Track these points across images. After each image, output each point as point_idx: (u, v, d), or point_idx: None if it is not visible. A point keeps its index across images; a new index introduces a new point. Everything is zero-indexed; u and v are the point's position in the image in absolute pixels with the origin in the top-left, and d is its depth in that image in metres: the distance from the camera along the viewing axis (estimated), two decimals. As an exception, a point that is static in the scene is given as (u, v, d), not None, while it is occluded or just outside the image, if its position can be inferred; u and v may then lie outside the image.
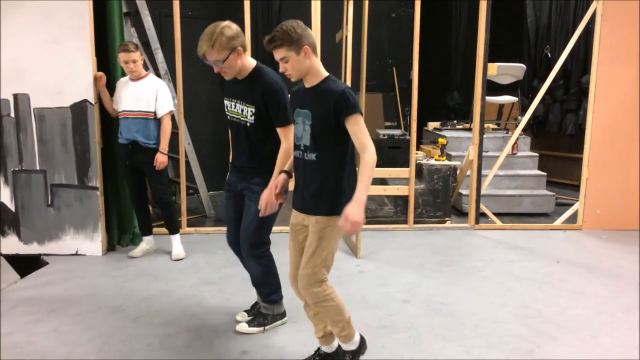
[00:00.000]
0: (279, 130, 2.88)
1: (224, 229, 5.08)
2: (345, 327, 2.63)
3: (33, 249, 4.49)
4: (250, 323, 3.22)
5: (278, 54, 2.42)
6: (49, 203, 4.45)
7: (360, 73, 4.69)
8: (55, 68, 4.28)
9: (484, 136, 6.35)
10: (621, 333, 3.19)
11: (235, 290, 3.81)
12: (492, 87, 6.85)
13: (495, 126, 7.22)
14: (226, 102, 3.06)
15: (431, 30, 8.75)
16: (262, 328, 3.20)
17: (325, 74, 2.51)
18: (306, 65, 2.44)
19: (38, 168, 4.42)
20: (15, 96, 4.34)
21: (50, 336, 3.13)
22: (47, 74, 4.29)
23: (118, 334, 3.16)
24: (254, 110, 2.90)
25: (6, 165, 4.42)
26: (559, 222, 5.49)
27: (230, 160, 3.20)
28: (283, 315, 3.31)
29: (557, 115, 7.32)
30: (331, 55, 5.59)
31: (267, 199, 2.71)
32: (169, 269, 4.25)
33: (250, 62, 2.93)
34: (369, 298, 3.71)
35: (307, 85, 2.52)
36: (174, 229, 4.56)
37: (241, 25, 4.91)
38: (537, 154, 6.39)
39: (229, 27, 2.83)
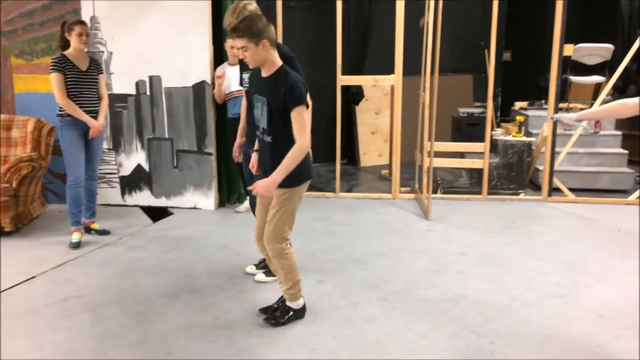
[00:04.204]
0: None
1: (315, 193, 5.93)
2: (293, 286, 3.07)
3: (162, 202, 5.55)
4: (267, 274, 3.72)
5: (239, 43, 2.70)
6: (175, 165, 5.47)
7: (434, 56, 5.18)
8: (181, 55, 5.24)
9: (569, 115, 6.61)
10: (656, 288, 3.56)
11: (317, 239, 4.58)
12: (587, 68, 7.00)
13: (584, 106, 7.35)
14: (244, 75, 3.50)
15: (526, 13, 8.94)
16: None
17: (279, 63, 2.80)
18: (263, 56, 2.73)
19: (167, 136, 5.45)
20: (150, 78, 5.37)
21: (175, 261, 4.08)
22: (174, 59, 5.26)
23: (226, 263, 4.04)
24: None
25: (142, 133, 5.49)
26: (633, 197, 5.69)
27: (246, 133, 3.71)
28: None
29: (649, 96, 7.29)
30: (415, 40, 6.12)
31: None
32: (267, 222, 5.10)
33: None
34: (431, 250, 4.31)
35: (264, 74, 2.82)
36: None
37: (333, 21, 5.63)
38: (620, 133, 6.51)
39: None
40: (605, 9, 7.93)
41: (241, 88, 5.06)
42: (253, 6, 3.43)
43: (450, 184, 6.04)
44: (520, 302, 3.39)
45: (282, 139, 2.78)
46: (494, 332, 3.01)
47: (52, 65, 4.25)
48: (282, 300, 3.21)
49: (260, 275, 3.75)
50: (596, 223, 5.03)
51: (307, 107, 2.75)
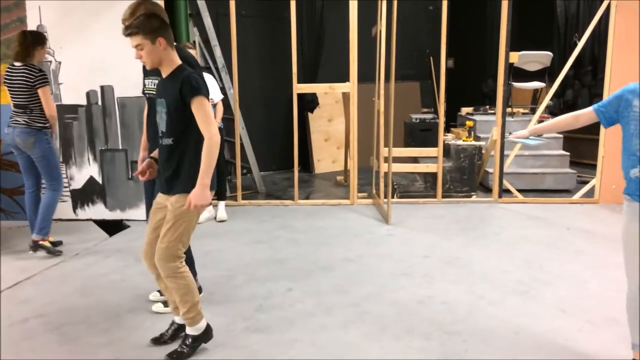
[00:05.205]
0: None
1: (274, 202, 5.95)
2: (191, 309, 2.74)
3: (116, 215, 5.39)
4: (165, 304, 3.35)
5: (133, 42, 2.56)
6: (129, 177, 5.33)
7: (390, 64, 5.29)
8: (135, 63, 5.07)
9: (513, 119, 6.91)
10: (609, 281, 3.75)
11: (281, 247, 4.57)
12: (526, 74, 7.33)
13: (526, 110, 7.69)
14: (145, 81, 3.33)
15: (468, 22, 9.27)
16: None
17: (178, 63, 2.66)
18: (160, 56, 2.59)
19: (120, 147, 5.31)
20: (102, 87, 5.23)
21: (140, 276, 3.96)
22: (128, 68, 5.10)
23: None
24: None
25: (94, 145, 5.32)
26: (577, 196, 5.99)
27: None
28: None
29: (585, 100, 7.73)
30: (368, 49, 6.23)
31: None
32: (227, 231, 5.05)
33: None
34: (395, 254, 4.39)
35: (163, 74, 2.69)
36: (221, 196, 5.45)
37: (289, 22, 5.66)
38: (561, 136, 6.84)
39: None
40: (542, 17, 8.34)
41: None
42: (157, 7, 3.11)
43: (406, 188, 6.18)
44: (485, 300, 3.50)
45: (183, 141, 2.63)
46: (465, 331, 3.09)
47: (45, 78, 4.28)
48: (173, 327, 2.99)
49: (158, 306, 3.40)
50: (546, 222, 5.26)
51: (208, 99, 2.62)
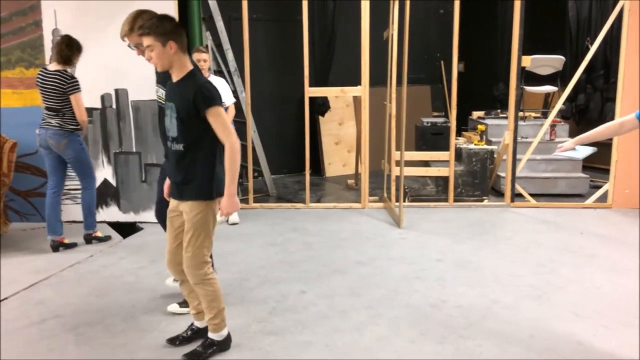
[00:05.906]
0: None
1: (285, 205, 5.97)
2: (217, 316, 2.81)
3: (130, 217, 5.43)
4: (181, 305, 3.39)
5: (145, 42, 2.57)
6: (143, 179, 5.38)
7: (402, 67, 5.29)
8: (149, 67, 5.13)
9: (524, 123, 6.91)
10: (623, 285, 3.73)
11: (294, 250, 4.59)
12: (537, 78, 7.32)
13: (538, 114, 7.67)
14: (157, 87, 3.32)
15: (478, 25, 9.27)
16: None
17: (190, 68, 2.66)
18: (171, 59, 2.59)
19: (134, 150, 5.35)
20: (116, 91, 5.28)
21: (154, 277, 4.00)
22: (141, 72, 5.13)
23: (204, 277, 3.99)
24: None
25: (109, 148, 5.37)
26: (590, 201, 5.97)
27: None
28: None
29: (597, 104, 7.69)
30: (379, 52, 6.25)
31: None
32: (240, 234, 5.07)
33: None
34: (408, 257, 4.40)
35: (174, 79, 2.67)
36: None
37: (300, 25, 5.68)
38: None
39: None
40: (553, 20, 8.32)
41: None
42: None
43: (417, 192, 6.18)
44: (499, 304, 3.50)
45: (194, 148, 2.64)
46: (479, 334, 3.10)
47: (77, 85, 4.45)
48: (191, 329, 3.02)
49: (174, 306, 3.42)
50: (558, 226, 5.25)
51: (222, 107, 2.62)
